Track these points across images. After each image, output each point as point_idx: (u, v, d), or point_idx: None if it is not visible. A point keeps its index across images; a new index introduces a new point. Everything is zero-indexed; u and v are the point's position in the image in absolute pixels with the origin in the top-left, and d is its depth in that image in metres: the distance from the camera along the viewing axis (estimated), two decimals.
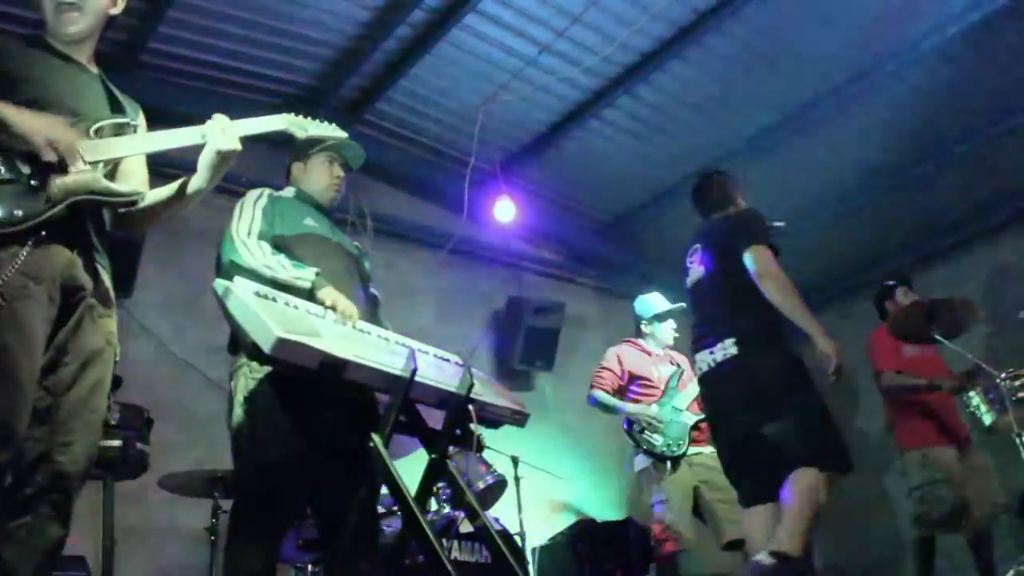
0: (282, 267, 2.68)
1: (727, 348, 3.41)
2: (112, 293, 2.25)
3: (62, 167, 2.05)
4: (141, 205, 2.30)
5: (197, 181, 2.36)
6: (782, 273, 3.36)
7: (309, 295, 2.59)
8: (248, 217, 2.87)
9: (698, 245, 3.70)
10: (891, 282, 5.18)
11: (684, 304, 4.59)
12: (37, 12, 2.29)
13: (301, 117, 2.61)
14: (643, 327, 4.90)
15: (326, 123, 2.70)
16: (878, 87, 5.48)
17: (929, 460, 4.65)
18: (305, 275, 2.67)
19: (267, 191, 3.04)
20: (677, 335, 4.89)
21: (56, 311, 2.06)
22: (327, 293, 2.59)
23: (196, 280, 4.59)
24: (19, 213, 1.99)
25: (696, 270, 3.67)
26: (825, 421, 3.34)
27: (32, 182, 2.02)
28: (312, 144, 3.06)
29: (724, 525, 4.33)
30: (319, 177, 3.13)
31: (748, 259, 3.37)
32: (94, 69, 2.37)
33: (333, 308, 2.52)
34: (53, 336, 2.07)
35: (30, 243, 2.00)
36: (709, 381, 3.53)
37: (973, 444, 4.76)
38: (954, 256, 6.80)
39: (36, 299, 2.01)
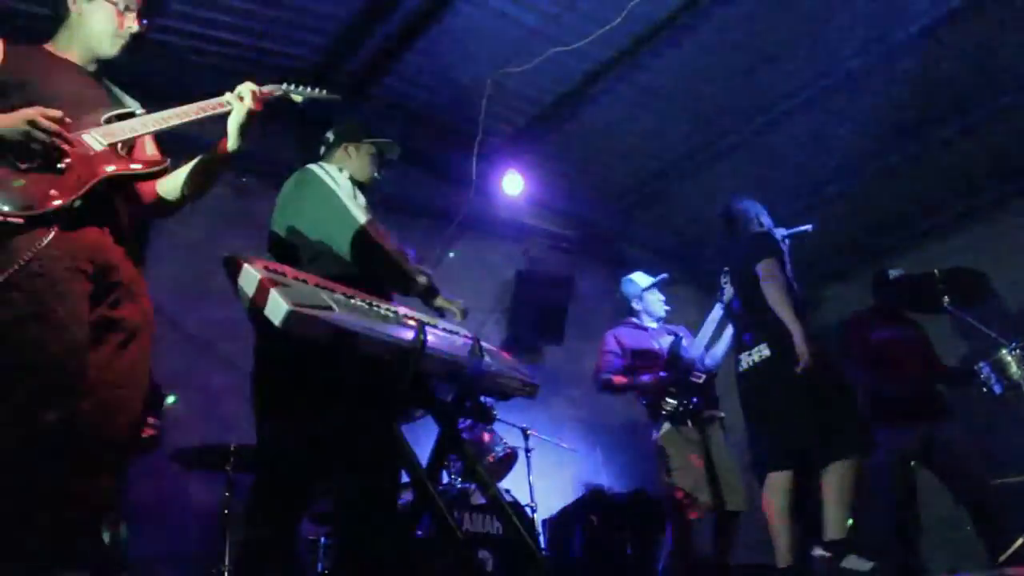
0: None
1: (761, 351, 3.96)
2: (142, 275, 2.33)
3: (58, 147, 2.07)
4: (180, 186, 2.52)
5: (230, 144, 2.45)
6: (779, 279, 3.92)
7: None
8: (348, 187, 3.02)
9: (727, 268, 4.33)
10: (895, 272, 5.09)
11: (666, 275, 5.14)
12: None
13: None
14: (634, 305, 5.12)
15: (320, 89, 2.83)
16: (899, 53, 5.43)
17: None
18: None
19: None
20: (668, 307, 5.04)
21: (91, 288, 2.11)
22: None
23: (206, 255, 4.59)
24: (42, 197, 2.03)
25: (728, 288, 4.32)
26: (851, 408, 3.85)
27: (59, 164, 2.05)
28: (366, 132, 3.31)
29: (727, 495, 4.44)
30: (366, 167, 3.29)
31: (758, 269, 3.96)
32: (95, 71, 2.45)
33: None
34: (93, 315, 2.12)
35: (57, 225, 2.04)
36: (750, 378, 4.04)
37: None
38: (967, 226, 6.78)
39: (71, 272, 2.06)
